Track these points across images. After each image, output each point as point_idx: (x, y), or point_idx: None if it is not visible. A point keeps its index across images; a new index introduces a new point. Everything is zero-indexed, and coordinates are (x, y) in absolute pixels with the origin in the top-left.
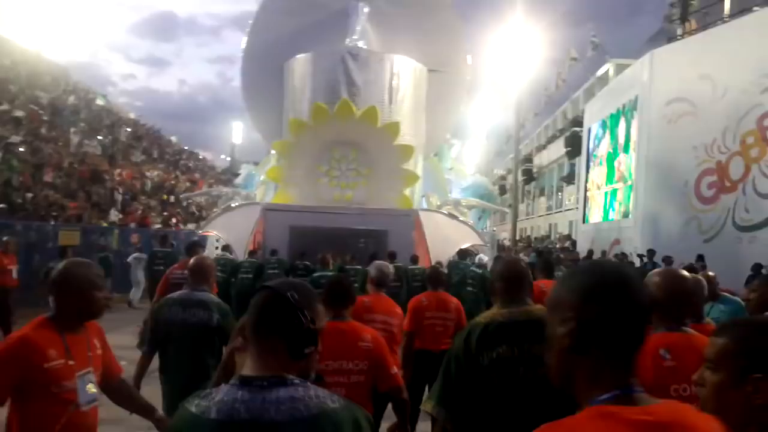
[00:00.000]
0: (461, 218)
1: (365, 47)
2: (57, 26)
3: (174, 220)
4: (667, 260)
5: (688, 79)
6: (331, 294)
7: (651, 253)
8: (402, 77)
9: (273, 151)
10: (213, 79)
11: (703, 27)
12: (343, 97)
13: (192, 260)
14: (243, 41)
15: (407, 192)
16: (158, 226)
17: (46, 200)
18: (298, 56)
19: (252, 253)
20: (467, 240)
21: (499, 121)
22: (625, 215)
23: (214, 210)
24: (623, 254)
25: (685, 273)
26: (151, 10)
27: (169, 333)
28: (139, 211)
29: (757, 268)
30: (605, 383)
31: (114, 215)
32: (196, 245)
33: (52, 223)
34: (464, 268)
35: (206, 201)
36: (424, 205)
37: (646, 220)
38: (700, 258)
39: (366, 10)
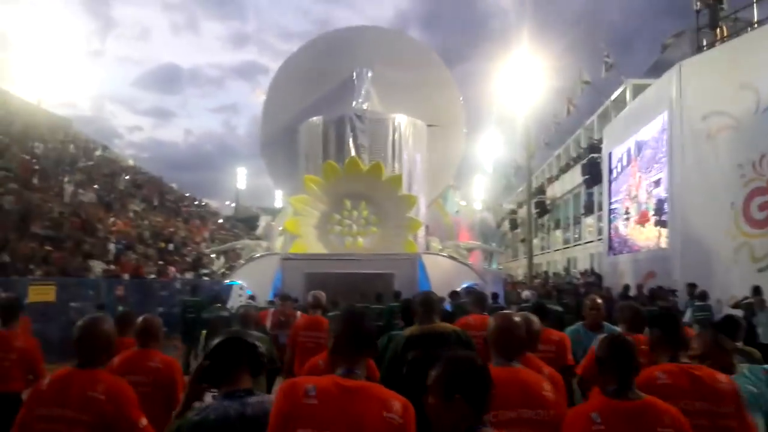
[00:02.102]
0: (460, 259)
1: (369, 109)
2: (59, 79)
3: (172, 269)
4: (702, 296)
5: (726, 90)
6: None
7: (692, 287)
8: (403, 133)
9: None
10: (218, 128)
11: (735, 33)
12: (352, 155)
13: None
14: (252, 94)
15: (411, 237)
16: (153, 275)
17: (28, 252)
18: (310, 119)
19: (271, 302)
20: (467, 278)
21: (506, 155)
22: (660, 244)
23: (239, 261)
24: (660, 288)
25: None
26: (155, 63)
27: None
28: (133, 261)
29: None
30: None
31: (98, 267)
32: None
33: (30, 277)
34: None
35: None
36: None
37: (686, 249)
38: (757, 291)
39: (370, 74)
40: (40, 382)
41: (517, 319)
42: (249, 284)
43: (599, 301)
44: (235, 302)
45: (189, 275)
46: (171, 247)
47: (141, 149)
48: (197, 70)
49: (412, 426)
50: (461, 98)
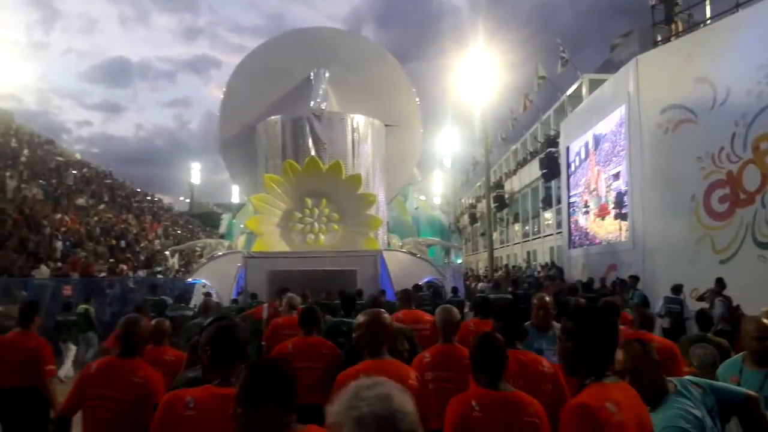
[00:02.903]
0: (419, 255)
1: (327, 109)
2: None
3: (123, 267)
4: (676, 289)
5: (683, 84)
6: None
7: (634, 280)
8: (361, 133)
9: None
10: (170, 122)
11: (689, 29)
12: (311, 155)
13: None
14: (204, 88)
15: (373, 234)
16: (103, 274)
17: None
18: (269, 118)
19: (235, 301)
20: (427, 274)
21: (463, 150)
22: (621, 237)
23: (201, 260)
24: (621, 281)
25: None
26: (104, 56)
27: None
28: (82, 259)
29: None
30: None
31: (43, 271)
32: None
33: None
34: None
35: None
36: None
37: (647, 242)
38: (719, 282)
39: (327, 75)
40: (89, 366)
41: (385, 316)
42: (212, 283)
43: (548, 299)
44: (198, 301)
45: (142, 273)
46: (123, 244)
47: (91, 144)
48: (147, 64)
49: (159, 389)
50: (417, 99)
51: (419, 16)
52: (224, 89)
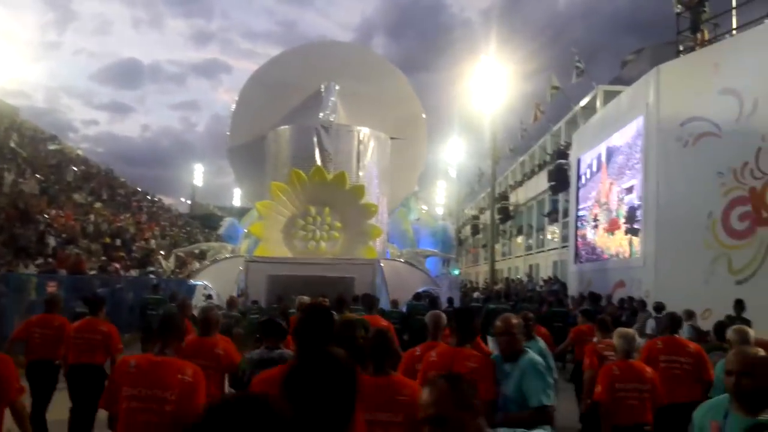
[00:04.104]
0: (417, 266)
1: (335, 121)
2: (11, 68)
3: (116, 266)
4: (658, 308)
5: (706, 96)
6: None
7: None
8: (367, 145)
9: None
10: (176, 124)
11: (714, 39)
12: (317, 164)
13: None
14: (213, 91)
15: (372, 243)
16: (93, 272)
17: None
18: (278, 128)
19: (231, 304)
20: (423, 284)
21: (469, 160)
22: (632, 253)
23: (204, 262)
24: (630, 299)
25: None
26: (115, 57)
27: None
28: (73, 256)
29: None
30: None
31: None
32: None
33: None
34: (417, 306)
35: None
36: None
37: (659, 259)
38: (739, 304)
39: (337, 88)
40: (127, 363)
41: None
42: (213, 285)
43: (514, 321)
44: (199, 301)
45: (134, 273)
46: (118, 242)
47: (96, 143)
48: (158, 66)
49: (202, 386)
50: (424, 114)
51: (431, 26)
52: (237, 98)
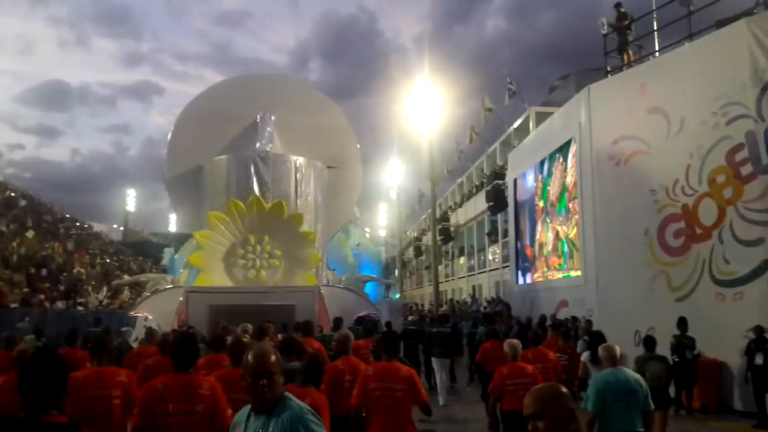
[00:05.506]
0: (357, 291)
1: (272, 150)
2: None
3: (41, 297)
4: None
5: (635, 114)
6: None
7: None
8: (304, 174)
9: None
10: (107, 148)
11: (639, 60)
12: (255, 194)
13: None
14: (145, 114)
15: (312, 271)
16: (14, 305)
17: None
18: (216, 158)
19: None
20: (362, 309)
21: (409, 182)
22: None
23: (144, 293)
24: (574, 318)
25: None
26: (40, 78)
27: None
28: None
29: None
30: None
31: None
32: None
33: None
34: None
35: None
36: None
37: (600, 277)
38: (682, 322)
39: (273, 118)
40: (153, 385)
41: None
42: (153, 317)
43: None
44: (140, 332)
45: (61, 304)
46: (44, 272)
47: (23, 168)
48: (87, 88)
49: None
50: (358, 144)
51: (366, 51)
52: (172, 128)
